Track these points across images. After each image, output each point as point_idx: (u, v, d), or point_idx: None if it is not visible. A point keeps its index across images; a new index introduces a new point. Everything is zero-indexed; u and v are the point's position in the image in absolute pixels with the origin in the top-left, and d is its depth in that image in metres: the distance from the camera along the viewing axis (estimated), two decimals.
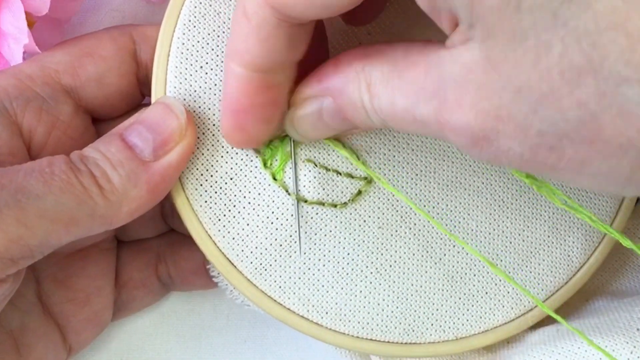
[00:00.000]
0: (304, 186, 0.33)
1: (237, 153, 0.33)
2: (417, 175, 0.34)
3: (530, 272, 0.35)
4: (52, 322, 0.35)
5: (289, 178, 0.33)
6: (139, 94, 0.36)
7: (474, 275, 0.35)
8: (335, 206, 0.33)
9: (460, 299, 0.35)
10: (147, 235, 0.39)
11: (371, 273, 0.34)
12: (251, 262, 0.33)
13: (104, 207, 0.30)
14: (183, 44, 0.33)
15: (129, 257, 0.38)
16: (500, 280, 0.35)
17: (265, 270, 0.33)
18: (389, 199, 0.34)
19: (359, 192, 0.33)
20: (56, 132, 0.34)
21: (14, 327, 0.33)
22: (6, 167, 0.30)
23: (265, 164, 0.33)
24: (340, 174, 0.33)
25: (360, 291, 0.33)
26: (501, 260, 0.35)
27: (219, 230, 0.33)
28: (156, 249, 0.39)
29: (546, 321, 0.36)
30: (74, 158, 0.31)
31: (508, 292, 0.35)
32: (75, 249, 0.36)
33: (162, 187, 0.31)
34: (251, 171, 0.33)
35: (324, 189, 0.33)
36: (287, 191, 0.33)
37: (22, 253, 0.28)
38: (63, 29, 0.37)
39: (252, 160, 0.33)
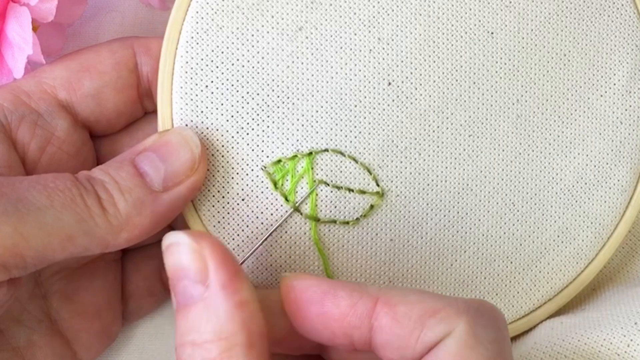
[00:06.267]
0: (317, 205, 0.33)
1: (247, 174, 0.32)
2: (428, 185, 0.34)
3: (540, 272, 0.36)
4: (61, 338, 0.35)
5: (301, 197, 0.32)
6: (139, 110, 0.35)
7: (485, 278, 0.35)
8: (347, 223, 0.33)
9: None
10: (150, 241, 0.39)
11: (384, 283, 0.34)
12: (266, 278, 0.33)
13: (104, 229, 0.29)
14: (187, 62, 0.32)
15: (134, 267, 0.38)
16: (510, 281, 0.35)
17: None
18: (400, 211, 0.34)
19: (371, 207, 0.33)
20: (51, 148, 0.33)
21: (21, 344, 0.34)
22: (9, 177, 0.30)
23: (275, 185, 0.32)
24: (353, 191, 0.33)
25: None
26: (511, 263, 0.35)
27: (233, 249, 0.33)
28: (159, 255, 0.38)
29: (553, 313, 0.37)
30: (80, 177, 0.30)
31: (518, 292, 0.36)
32: (82, 262, 0.36)
33: (166, 218, 0.31)
34: (262, 192, 0.32)
35: (336, 207, 0.33)
36: (299, 211, 0.32)
37: (15, 261, 0.28)
38: (66, 33, 0.37)
39: (263, 182, 0.32)
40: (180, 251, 0.28)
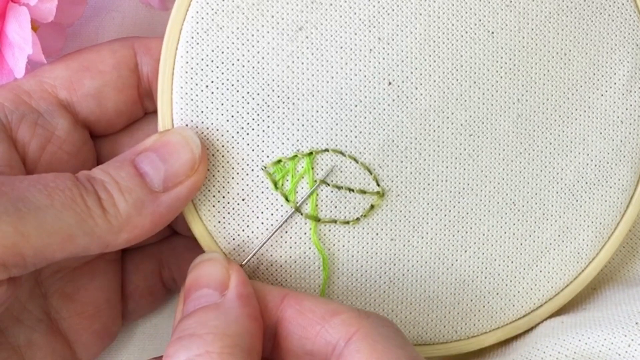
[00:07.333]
0: (317, 205, 0.33)
1: (247, 174, 0.32)
2: (429, 184, 0.34)
3: (540, 272, 0.36)
4: (60, 337, 0.35)
5: (302, 197, 0.32)
6: (139, 109, 0.35)
7: (485, 277, 0.35)
8: (347, 223, 0.33)
9: (472, 301, 0.35)
10: (150, 241, 0.39)
11: (384, 283, 0.34)
12: (267, 278, 0.33)
13: (104, 229, 0.29)
14: (187, 62, 0.32)
15: (134, 266, 0.38)
16: (510, 280, 0.35)
17: (281, 285, 0.33)
18: (401, 211, 0.34)
19: (372, 207, 0.33)
20: (51, 147, 0.33)
21: (20, 343, 0.34)
22: (9, 176, 0.30)
23: (276, 185, 0.32)
24: (353, 190, 0.33)
25: (374, 300, 0.34)
26: (512, 262, 0.35)
27: (234, 249, 0.33)
28: (159, 254, 0.38)
29: (553, 312, 0.37)
30: (81, 177, 0.30)
31: (518, 292, 0.36)
32: (82, 262, 0.36)
33: (166, 218, 0.31)
34: (263, 192, 0.32)
35: (336, 207, 0.33)
36: (300, 211, 0.32)
37: (15, 260, 0.28)
38: (66, 33, 0.37)
39: (263, 182, 0.32)
40: (211, 264, 0.31)
